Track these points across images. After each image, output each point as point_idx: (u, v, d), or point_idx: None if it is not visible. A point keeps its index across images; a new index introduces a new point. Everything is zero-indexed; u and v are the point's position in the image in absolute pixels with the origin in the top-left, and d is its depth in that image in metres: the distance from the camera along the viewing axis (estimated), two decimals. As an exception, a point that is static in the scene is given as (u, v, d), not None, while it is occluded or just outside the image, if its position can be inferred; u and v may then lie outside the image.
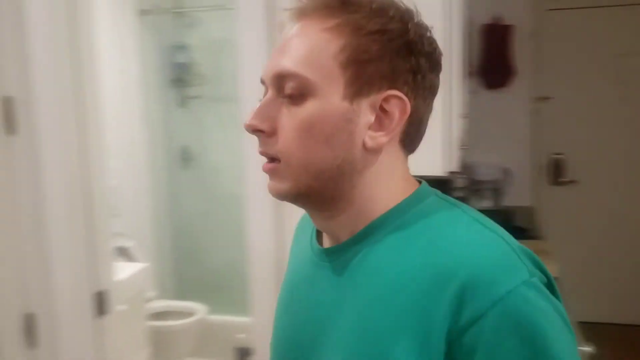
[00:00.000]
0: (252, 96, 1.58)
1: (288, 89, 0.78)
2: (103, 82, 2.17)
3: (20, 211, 1.71)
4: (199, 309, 3.28)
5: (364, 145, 0.78)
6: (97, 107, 1.89)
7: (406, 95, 0.78)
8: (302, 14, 0.80)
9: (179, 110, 3.66)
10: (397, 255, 0.77)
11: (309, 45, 0.78)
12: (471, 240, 0.74)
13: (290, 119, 0.78)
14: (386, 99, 0.78)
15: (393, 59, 0.78)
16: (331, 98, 0.77)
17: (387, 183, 0.82)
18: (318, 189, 0.80)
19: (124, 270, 2.63)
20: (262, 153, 0.81)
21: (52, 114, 1.73)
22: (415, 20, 0.80)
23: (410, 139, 0.82)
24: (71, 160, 1.77)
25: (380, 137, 0.79)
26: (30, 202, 1.71)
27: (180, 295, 3.59)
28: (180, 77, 3.59)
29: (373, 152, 0.79)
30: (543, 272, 0.73)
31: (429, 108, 0.83)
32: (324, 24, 0.78)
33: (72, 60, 1.76)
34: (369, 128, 0.79)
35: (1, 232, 1.68)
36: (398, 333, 0.72)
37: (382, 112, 0.78)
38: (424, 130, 0.84)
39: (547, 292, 0.71)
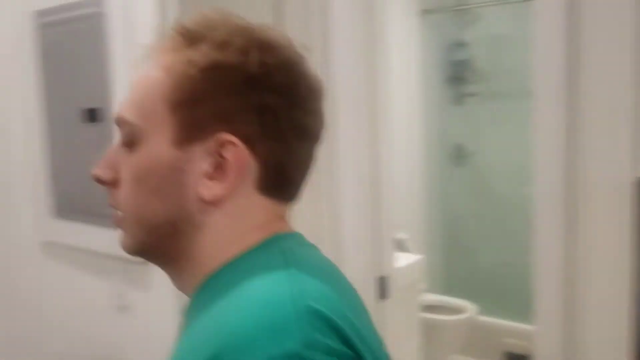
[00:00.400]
0: (547, 93, 1.55)
1: (122, 135, 0.71)
2: (390, 79, 2.28)
3: (321, 199, 1.88)
4: (469, 308, 3.28)
5: (200, 196, 0.69)
6: (387, 104, 2.00)
7: (249, 138, 0.68)
8: (151, 50, 0.72)
9: (454, 108, 3.69)
10: (200, 321, 0.66)
11: (143, 87, 0.70)
12: (246, 300, 0.61)
13: (125, 168, 0.71)
14: (222, 144, 0.67)
15: (228, 97, 0.68)
16: (158, 145, 0.69)
17: (233, 237, 0.71)
18: (154, 246, 0.73)
19: (401, 260, 2.73)
20: (110, 205, 0.74)
21: (349, 110, 1.87)
22: (270, 52, 0.69)
23: (274, 185, 0.72)
24: (363, 152, 1.90)
25: (217, 188, 0.68)
26: (327, 191, 1.87)
27: (449, 291, 3.62)
28: (458, 75, 3.62)
29: (211, 204, 0.69)
30: (340, 333, 0.60)
31: (299, 151, 0.72)
32: (162, 62, 0.70)
33: (367, 59, 1.89)
34: (206, 177, 0.68)
35: (310, 217, 1.87)
36: None
37: (221, 158, 0.68)
38: (299, 176, 0.74)
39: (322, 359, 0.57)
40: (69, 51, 1.94)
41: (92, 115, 1.85)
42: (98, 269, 2.01)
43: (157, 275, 1.77)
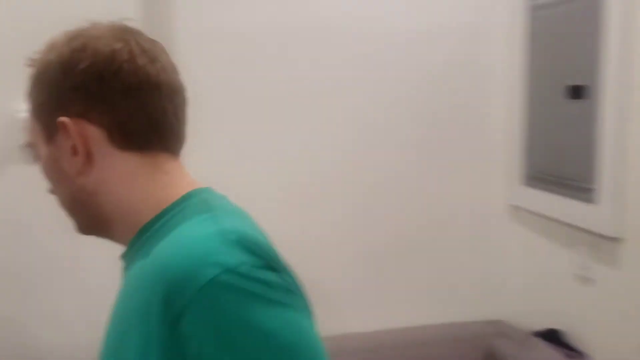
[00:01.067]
0: None
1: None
2: None
3: None
4: None
5: (72, 173, 0.82)
6: None
7: (79, 113, 0.80)
8: None
9: None
10: (142, 263, 0.77)
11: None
12: (184, 240, 0.72)
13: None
14: (62, 126, 0.80)
15: (45, 89, 0.82)
16: (41, 149, 0.84)
17: (134, 193, 0.82)
18: (79, 220, 0.88)
19: None
20: None
21: None
22: (68, 48, 0.81)
23: (134, 139, 0.82)
24: None
25: (76, 161, 0.81)
26: None
27: None
28: None
29: (84, 174, 0.82)
30: (266, 257, 0.70)
31: (137, 108, 0.81)
32: None
33: None
34: (71, 156, 0.81)
35: None
36: (131, 332, 0.72)
37: (70, 138, 0.80)
38: (152, 129, 0.83)
39: (257, 275, 0.67)
40: (558, 30, 2.04)
41: (577, 92, 1.92)
42: (562, 238, 2.10)
43: (629, 253, 1.79)
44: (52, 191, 0.89)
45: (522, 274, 2.37)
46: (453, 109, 2.35)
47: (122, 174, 0.82)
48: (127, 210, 0.83)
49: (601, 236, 1.87)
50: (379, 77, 2.27)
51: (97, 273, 1.82)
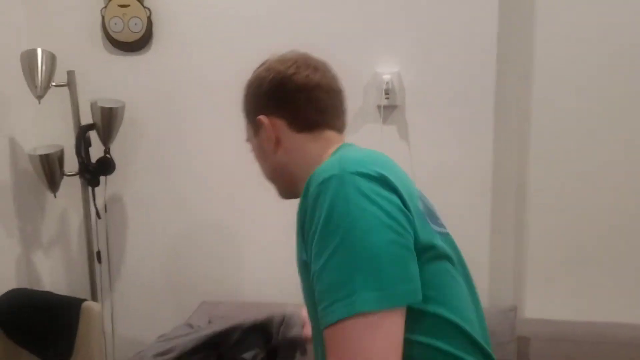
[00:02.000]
0: None
1: None
2: None
3: None
4: None
5: (271, 152, 1.20)
6: None
7: (271, 111, 1.18)
8: None
9: None
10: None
11: None
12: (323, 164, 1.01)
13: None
14: (260, 123, 1.19)
15: (251, 99, 1.23)
16: (252, 141, 1.25)
17: (309, 159, 1.15)
18: (279, 187, 1.26)
19: None
20: None
21: None
22: (260, 69, 1.23)
23: (305, 123, 1.17)
24: None
25: (271, 144, 1.18)
26: None
27: None
28: None
29: (276, 153, 1.18)
30: (363, 172, 0.95)
31: (308, 104, 1.16)
32: None
33: None
34: (268, 142, 1.19)
35: None
36: (298, 234, 1.02)
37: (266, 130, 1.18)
38: (320, 116, 1.17)
39: (351, 179, 0.93)
40: None
41: None
42: None
43: None
44: (261, 169, 1.26)
45: None
46: None
47: (299, 150, 1.18)
48: (304, 174, 1.08)
49: None
50: None
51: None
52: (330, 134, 1.18)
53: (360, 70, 2.22)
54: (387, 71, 2.20)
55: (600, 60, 2.15)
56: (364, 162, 0.97)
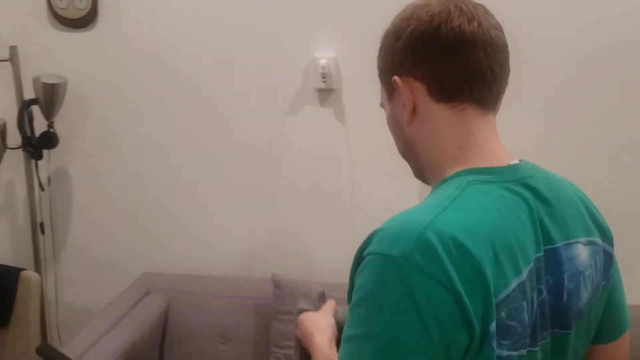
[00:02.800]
0: None
1: None
2: None
3: None
4: None
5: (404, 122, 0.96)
6: None
7: (409, 71, 0.92)
8: None
9: None
10: None
11: None
12: (402, 215, 0.81)
13: None
14: (394, 86, 0.95)
15: (384, 55, 0.97)
16: (386, 107, 1.01)
17: (437, 147, 0.94)
18: (412, 165, 1.01)
19: None
20: None
21: None
22: (399, 18, 0.95)
23: (448, 91, 0.91)
24: None
25: (406, 113, 0.94)
26: None
27: None
28: None
29: (410, 124, 0.95)
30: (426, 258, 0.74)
31: (455, 66, 0.89)
32: None
33: None
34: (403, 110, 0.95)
35: None
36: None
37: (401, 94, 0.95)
38: (469, 85, 0.90)
39: (396, 268, 0.74)
40: None
41: None
42: None
43: None
44: (396, 141, 1.02)
45: None
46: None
47: (432, 126, 0.93)
48: (431, 161, 0.95)
49: None
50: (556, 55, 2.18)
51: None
52: (473, 114, 0.92)
53: (299, 54, 2.30)
54: (324, 56, 2.28)
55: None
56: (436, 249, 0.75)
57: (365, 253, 0.79)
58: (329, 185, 2.39)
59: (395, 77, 0.93)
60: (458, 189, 0.84)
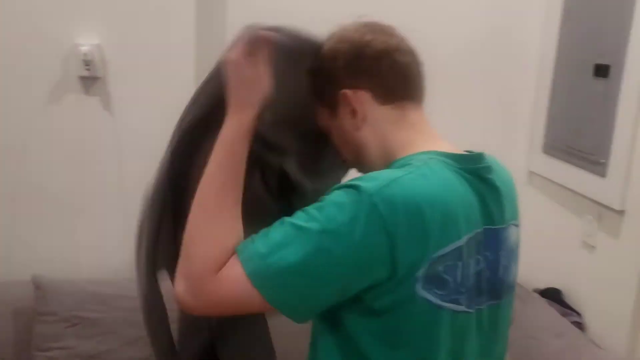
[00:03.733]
0: None
1: None
2: None
3: None
4: None
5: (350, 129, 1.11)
6: None
7: (353, 84, 1.08)
8: None
9: None
10: None
11: None
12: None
13: None
14: (342, 99, 1.09)
15: (324, 77, 1.12)
16: (330, 126, 1.15)
17: (385, 142, 1.09)
18: (365, 170, 1.08)
19: None
20: None
21: None
22: (329, 44, 1.12)
23: (391, 92, 1.08)
24: None
25: (355, 121, 1.09)
26: None
27: None
28: None
29: (360, 129, 1.09)
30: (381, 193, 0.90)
31: (395, 72, 1.08)
32: None
33: None
34: (349, 117, 1.09)
35: None
36: None
37: (350, 105, 1.09)
38: (403, 86, 1.09)
39: (357, 193, 0.90)
40: (591, 9, 2.14)
41: (602, 71, 2.03)
42: (572, 206, 2.25)
43: (630, 226, 1.92)
44: (344, 153, 1.16)
45: (534, 236, 2.51)
46: (488, 78, 2.49)
47: (381, 126, 1.09)
48: (384, 158, 1.09)
49: (607, 208, 2.01)
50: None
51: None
52: (410, 108, 1.10)
53: (59, 40, 2.16)
54: (86, 43, 2.17)
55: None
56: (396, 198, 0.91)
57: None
58: (95, 177, 2.29)
59: (346, 91, 1.08)
60: (421, 160, 0.99)
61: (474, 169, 1.04)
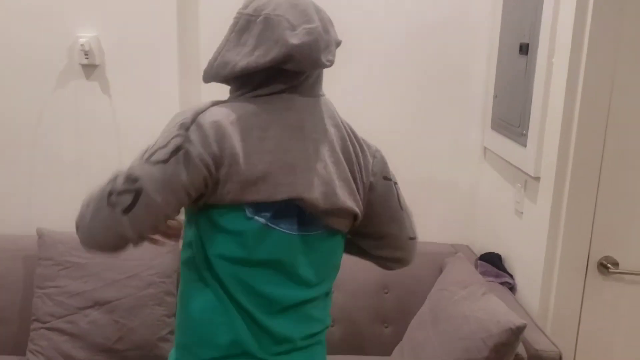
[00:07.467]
0: None
1: None
2: None
3: None
4: None
5: None
6: None
7: None
8: None
9: None
10: None
11: None
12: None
13: None
14: None
15: None
16: None
17: None
18: None
19: None
20: None
21: None
22: None
23: None
24: None
25: None
26: None
27: None
28: None
29: None
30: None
31: None
32: None
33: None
34: None
35: None
36: None
37: None
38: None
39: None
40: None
41: (524, 49, 2.22)
42: (509, 176, 2.44)
43: (543, 191, 2.11)
44: None
45: (483, 206, 2.75)
46: (443, 62, 2.71)
47: None
48: None
49: (529, 175, 2.19)
50: (379, 32, 2.67)
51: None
52: None
53: (63, 33, 2.57)
54: (85, 35, 2.56)
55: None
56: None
57: None
58: (95, 148, 2.67)
59: None
60: None
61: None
